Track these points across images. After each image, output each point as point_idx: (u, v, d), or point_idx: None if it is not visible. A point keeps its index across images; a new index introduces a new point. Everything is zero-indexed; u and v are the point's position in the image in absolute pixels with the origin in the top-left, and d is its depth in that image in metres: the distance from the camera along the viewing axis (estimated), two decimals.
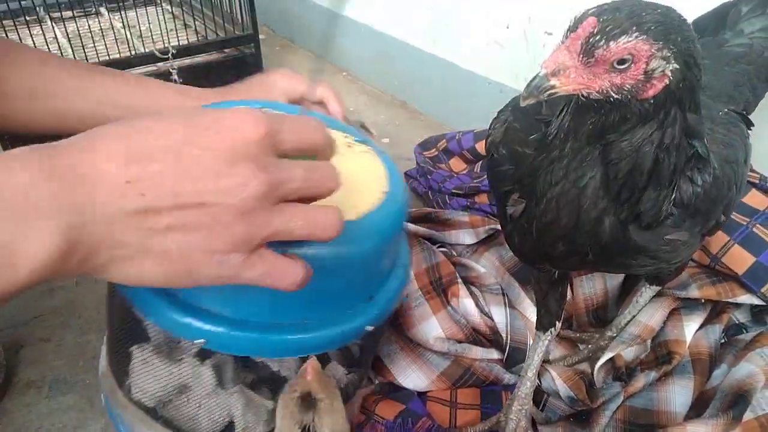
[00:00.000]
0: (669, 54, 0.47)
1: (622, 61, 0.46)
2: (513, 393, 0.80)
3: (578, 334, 0.88)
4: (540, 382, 0.81)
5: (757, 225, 0.84)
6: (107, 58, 1.50)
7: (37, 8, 1.63)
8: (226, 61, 1.68)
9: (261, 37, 1.72)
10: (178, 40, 1.67)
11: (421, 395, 0.82)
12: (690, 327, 0.83)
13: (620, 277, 0.92)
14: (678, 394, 0.76)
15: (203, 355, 0.67)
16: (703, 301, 0.86)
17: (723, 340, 0.84)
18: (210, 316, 0.57)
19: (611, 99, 0.49)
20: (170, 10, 1.96)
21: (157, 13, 1.83)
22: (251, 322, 0.58)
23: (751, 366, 0.75)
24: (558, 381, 0.80)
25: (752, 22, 0.80)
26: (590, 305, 0.91)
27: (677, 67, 0.48)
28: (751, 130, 0.71)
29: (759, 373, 0.74)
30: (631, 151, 0.51)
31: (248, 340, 0.58)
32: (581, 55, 0.47)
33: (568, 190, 0.56)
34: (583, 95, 0.49)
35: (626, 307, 0.85)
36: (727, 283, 0.84)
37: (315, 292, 0.53)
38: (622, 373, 0.82)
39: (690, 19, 0.82)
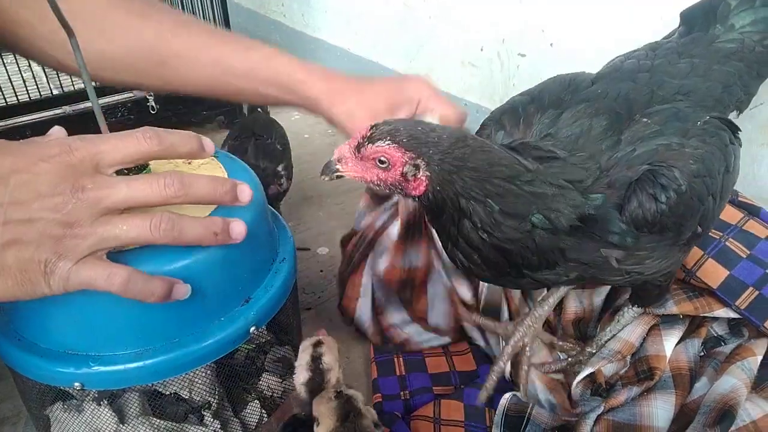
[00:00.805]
0: (421, 162, 0.58)
1: (381, 162, 0.59)
2: (531, 310, 0.85)
3: (561, 343, 0.89)
4: (522, 389, 0.82)
5: (730, 239, 0.85)
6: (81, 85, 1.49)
7: None
8: None
9: None
10: None
11: (405, 417, 0.81)
12: (670, 342, 0.83)
13: (604, 295, 0.93)
14: (661, 409, 0.76)
15: (99, 397, 0.68)
16: (681, 316, 0.87)
17: (702, 353, 0.85)
18: (79, 358, 0.58)
19: (391, 190, 0.61)
20: None
21: None
22: (120, 355, 0.58)
23: (733, 380, 0.76)
24: (538, 383, 0.81)
25: (742, 16, 0.79)
26: (578, 316, 0.92)
27: (429, 174, 0.58)
28: (738, 134, 0.71)
29: (741, 386, 0.74)
30: (467, 238, 0.61)
31: (124, 372, 0.58)
32: (355, 150, 0.60)
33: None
34: (373, 185, 0.62)
35: (607, 325, 0.85)
36: (704, 297, 0.85)
37: (178, 307, 0.56)
38: (601, 388, 0.82)
39: (678, 11, 0.84)
